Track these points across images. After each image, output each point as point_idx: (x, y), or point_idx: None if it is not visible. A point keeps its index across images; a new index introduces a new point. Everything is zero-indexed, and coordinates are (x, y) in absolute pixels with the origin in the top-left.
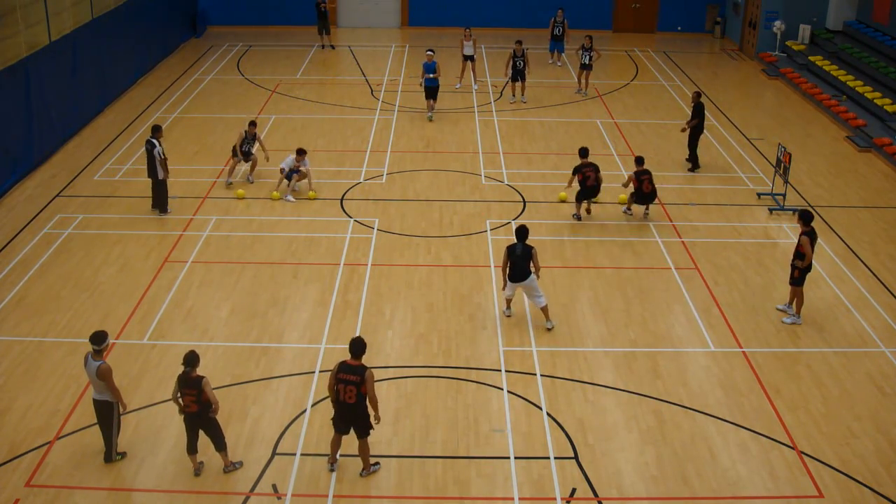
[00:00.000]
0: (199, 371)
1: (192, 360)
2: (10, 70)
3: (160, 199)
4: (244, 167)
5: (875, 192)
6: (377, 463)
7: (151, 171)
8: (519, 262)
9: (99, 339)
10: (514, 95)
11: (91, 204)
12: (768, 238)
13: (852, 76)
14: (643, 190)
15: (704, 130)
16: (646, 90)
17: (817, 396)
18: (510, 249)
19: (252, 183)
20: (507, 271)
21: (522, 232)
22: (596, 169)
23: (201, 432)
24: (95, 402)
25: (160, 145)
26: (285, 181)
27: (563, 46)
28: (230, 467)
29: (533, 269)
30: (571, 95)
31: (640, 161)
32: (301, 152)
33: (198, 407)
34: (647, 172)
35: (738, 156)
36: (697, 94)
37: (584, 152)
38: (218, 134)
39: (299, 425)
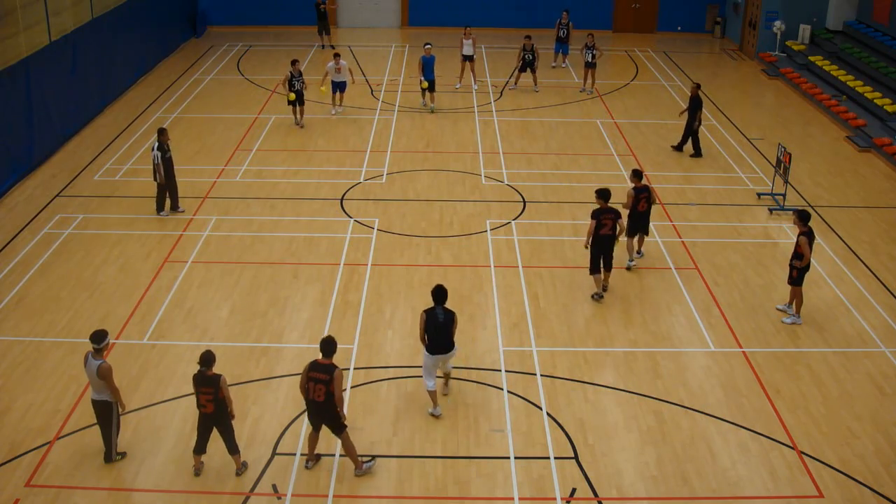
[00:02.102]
0: None
1: (208, 359)
2: (10, 70)
3: (159, 199)
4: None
5: (875, 192)
6: (371, 459)
7: (153, 174)
8: (442, 331)
9: (99, 337)
10: (515, 84)
11: (91, 204)
12: (768, 238)
13: (852, 76)
14: (638, 209)
15: (701, 123)
16: (646, 90)
17: (817, 396)
18: (430, 315)
19: (302, 128)
20: (427, 341)
21: (441, 294)
22: (616, 216)
23: (212, 434)
24: (94, 402)
25: (156, 149)
26: (339, 94)
27: (568, 48)
28: (242, 469)
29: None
30: (571, 95)
31: (638, 175)
32: (337, 55)
33: (214, 406)
34: (646, 189)
35: (738, 156)
36: (697, 87)
37: (606, 194)
38: (218, 134)
39: (299, 425)
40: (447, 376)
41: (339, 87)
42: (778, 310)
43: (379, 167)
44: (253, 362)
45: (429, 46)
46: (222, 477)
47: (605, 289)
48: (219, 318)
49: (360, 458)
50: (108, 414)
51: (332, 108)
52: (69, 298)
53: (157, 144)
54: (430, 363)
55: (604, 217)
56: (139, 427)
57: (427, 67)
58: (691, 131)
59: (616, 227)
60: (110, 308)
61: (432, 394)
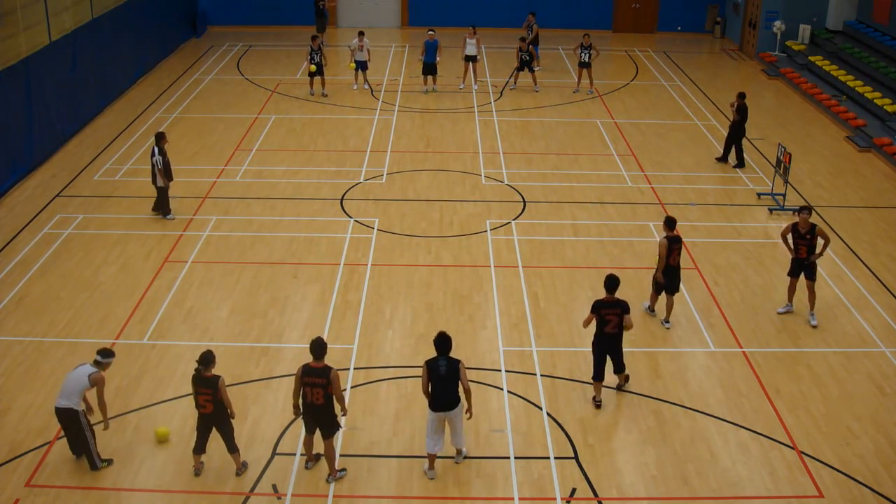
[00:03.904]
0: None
1: (207, 359)
2: (10, 70)
3: (159, 203)
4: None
5: (875, 192)
6: (344, 469)
7: (152, 178)
8: (445, 384)
9: (107, 353)
10: (515, 84)
11: (91, 204)
12: (768, 238)
13: (852, 76)
14: (671, 262)
15: (745, 131)
16: (646, 90)
17: (817, 396)
18: (431, 367)
19: (326, 96)
20: (430, 395)
21: (445, 342)
22: (623, 310)
23: (212, 434)
24: (60, 410)
25: (157, 153)
26: (360, 73)
27: (537, 49)
28: (242, 469)
29: (461, 392)
30: (571, 95)
31: (671, 224)
32: (361, 34)
33: (213, 407)
34: (679, 240)
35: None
36: (742, 96)
37: (612, 284)
38: (218, 134)
39: (299, 425)
40: (459, 453)
41: (360, 65)
42: (779, 314)
43: (379, 167)
44: (253, 362)
45: (432, 32)
46: (222, 477)
47: (620, 387)
48: (219, 318)
49: (336, 468)
50: (76, 421)
51: (354, 84)
52: (69, 298)
53: (156, 149)
54: (433, 421)
55: (608, 312)
56: (139, 427)
57: (429, 51)
58: (737, 140)
59: (622, 323)
60: (110, 308)
61: (431, 457)
